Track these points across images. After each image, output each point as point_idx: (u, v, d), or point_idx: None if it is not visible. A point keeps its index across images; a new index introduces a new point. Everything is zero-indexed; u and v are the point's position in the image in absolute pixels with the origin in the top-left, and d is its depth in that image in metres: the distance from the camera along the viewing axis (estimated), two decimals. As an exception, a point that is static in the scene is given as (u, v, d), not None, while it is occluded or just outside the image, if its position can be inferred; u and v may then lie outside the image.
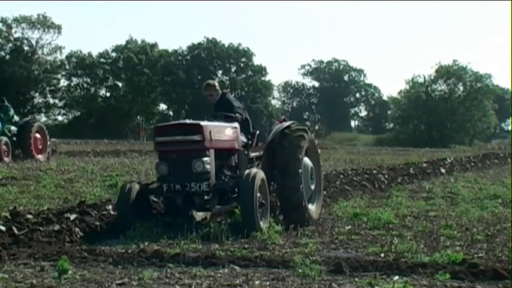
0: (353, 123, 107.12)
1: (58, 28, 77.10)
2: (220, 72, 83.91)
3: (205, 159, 8.88)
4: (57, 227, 8.32)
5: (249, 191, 8.62)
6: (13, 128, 23.75)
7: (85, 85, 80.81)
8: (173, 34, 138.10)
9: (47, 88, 77.90)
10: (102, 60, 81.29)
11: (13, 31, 76.01)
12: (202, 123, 9.12)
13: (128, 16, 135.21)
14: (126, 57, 78.69)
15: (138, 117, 78.20)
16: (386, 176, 18.31)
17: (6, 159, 22.07)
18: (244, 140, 10.09)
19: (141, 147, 38.89)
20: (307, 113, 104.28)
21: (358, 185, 15.72)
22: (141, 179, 15.40)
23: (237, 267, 6.68)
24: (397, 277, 6.26)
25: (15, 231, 7.89)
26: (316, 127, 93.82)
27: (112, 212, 9.48)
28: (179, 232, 8.33)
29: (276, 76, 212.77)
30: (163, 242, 8.13)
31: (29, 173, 17.77)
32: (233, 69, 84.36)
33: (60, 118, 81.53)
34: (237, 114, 10.00)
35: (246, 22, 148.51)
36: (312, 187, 10.31)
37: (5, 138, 22.64)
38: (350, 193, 14.49)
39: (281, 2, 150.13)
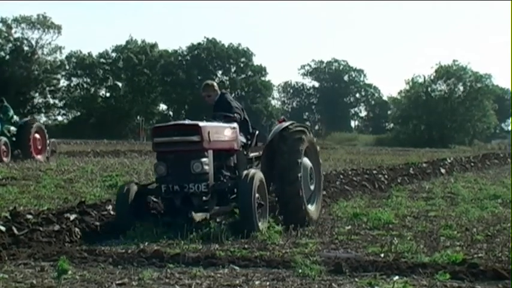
0: (353, 124, 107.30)
1: (58, 28, 77.18)
2: (220, 72, 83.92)
3: (203, 160, 8.87)
4: (57, 227, 8.32)
5: (248, 191, 8.61)
6: (12, 128, 23.73)
7: (85, 85, 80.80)
8: (173, 34, 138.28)
9: (47, 88, 77.90)
10: (102, 60, 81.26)
11: (13, 31, 76.10)
12: (201, 123, 9.11)
13: (128, 16, 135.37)
14: (126, 57, 78.67)
15: (138, 117, 78.22)
16: (386, 176, 18.31)
17: (5, 159, 22.06)
18: (244, 140, 10.08)
19: (141, 148, 38.88)
20: (307, 113, 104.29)
21: (358, 185, 15.72)
22: (141, 179, 15.40)
23: (237, 268, 6.68)
24: (397, 277, 6.27)
25: (15, 231, 7.88)
26: (316, 127, 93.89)
27: (112, 212, 9.48)
28: (179, 232, 8.33)
29: (276, 76, 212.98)
30: (163, 242, 8.13)
31: (29, 173, 17.77)
32: (233, 70, 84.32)
33: (60, 118, 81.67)
34: (235, 115, 9.98)
35: (246, 22, 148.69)
36: (312, 187, 10.30)
37: (4, 139, 22.62)
38: (350, 193, 14.50)
39: (281, 2, 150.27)
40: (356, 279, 6.20)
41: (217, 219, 9.28)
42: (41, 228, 8.17)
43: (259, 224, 8.70)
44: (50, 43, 77.28)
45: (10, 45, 75.60)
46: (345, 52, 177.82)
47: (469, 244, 8.27)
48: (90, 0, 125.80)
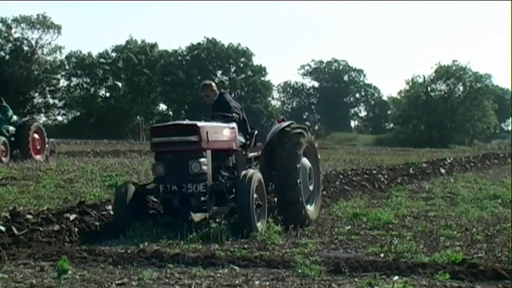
0: (353, 124, 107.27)
1: (58, 28, 77.20)
2: (219, 72, 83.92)
3: (202, 160, 8.86)
4: (56, 227, 8.32)
5: (246, 192, 8.59)
6: (11, 128, 23.70)
7: (85, 85, 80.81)
8: (173, 34, 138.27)
9: (47, 88, 77.91)
10: (102, 60, 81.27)
11: (13, 31, 76.12)
12: (199, 123, 9.10)
13: (128, 16, 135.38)
14: (126, 57, 78.66)
15: (138, 117, 78.23)
16: (386, 176, 18.32)
17: (4, 159, 22.04)
18: (243, 140, 10.07)
19: (141, 148, 38.86)
20: (306, 113, 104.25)
21: (357, 185, 15.72)
22: (140, 179, 15.40)
23: (236, 268, 6.68)
24: (396, 277, 6.27)
25: (15, 231, 7.88)
26: (316, 127, 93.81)
27: (112, 212, 9.47)
28: (179, 232, 8.32)
29: (276, 76, 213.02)
30: (163, 242, 8.13)
31: (29, 173, 17.77)
32: (233, 70, 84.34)
33: (60, 118, 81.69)
34: (234, 114, 9.96)
35: (245, 22, 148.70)
36: (311, 188, 10.30)
37: (3, 139, 22.60)
38: (350, 193, 14.50)
39: (281, 2, 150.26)
40: (356, 279, 6.20)
41: (217, 219, 9.28)
42: (40, 228, 8.17)
43: (258, 224, 8.70)
44: (49, 43, 77.45)
45: (10, 45, 75.63)
46: (345, 52, 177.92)
47: (469, 244, 8.27)
48: (90, 0, 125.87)
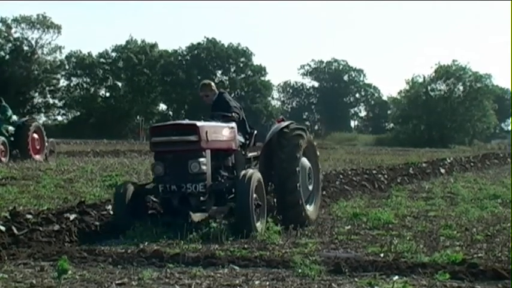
0: (353, 123, 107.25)
1: (58, 28, 77.13)
2: (219, 72, 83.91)
3: (201, 159, 8.85)
4: (56, 227, 8.32)
5: (245, 192, 8.58)
6: (11, 128, 23.68)
7: (85, 85, 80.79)
8: (173, 34, 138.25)
9: (47, 88, 77.88)
10: (102, 60, 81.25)
11: (13, 31, 76.07)
12: (199, 123, 9.09)
13: (128, 16, 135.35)
14: (126, 57, 78.65)
15: (138, 117, 78.23)
16: (386, 176, 18.32)
17: (3, 159, 22.03)
18: (242, 140, 10.06)
19: (141, 147, 38.86)
20: (306, 113, 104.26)
21: (357, 185, 15.72)
22: (140, 179, 15.40)
23: (236, 267, 6.68)
24: (396, 277, 6.27)
25: (15, 231, 7.88)
26: (316, 127, 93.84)
27: (112, 212, 9.47)
28: (179, 232, 8.32)
29: (276, 76, 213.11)
30: (163, 242, 8.13)
31: (29, 173, 17.76)
32: (232, 69, 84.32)
33: (59, 118, 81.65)
34: (233, 114, 9.95)
35: (245, 22, 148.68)
36: (310, 188, 10.29)
37: (2, 138, 22.58)
38: (350, 193, 14.50)
39: (281, 2, 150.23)
40: (356, 279, 6.20)
41: (217, 219, 9.28)
42: (40, 228, 8.17)
43: (257, 224, 8.69)
44: (49, 43, 77.37)
45: (10, 45, 75.59)
46: (345, 52, 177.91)
47: (469, 244, 8.27)
48: (90, 0, 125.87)
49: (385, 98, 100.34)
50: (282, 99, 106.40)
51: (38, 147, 24.33)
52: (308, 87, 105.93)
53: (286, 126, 10.03)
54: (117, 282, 6.06)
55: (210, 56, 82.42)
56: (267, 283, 6.07)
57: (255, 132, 10.38)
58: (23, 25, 75.97)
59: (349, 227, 9.77)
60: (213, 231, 8.36)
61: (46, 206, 10.94)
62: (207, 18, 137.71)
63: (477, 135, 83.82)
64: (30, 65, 74.91)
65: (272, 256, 7.27)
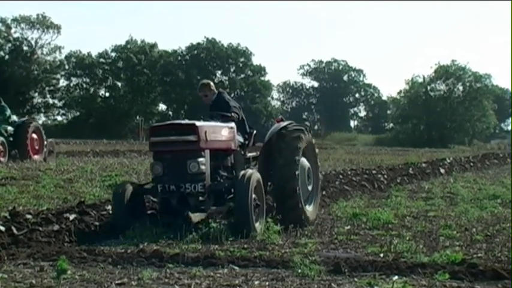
0: (352, 123, 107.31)
1: (57, 28, 77.19)
2: (219, 72, 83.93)
3: (200, 159, 8.84)
4: (56, 227, 8.32)
5: (244, 192, 8.56)
6: (10, 128, 23.64)
7: (84, 85, 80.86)
8: (173, 34, 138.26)
9: (46, 88, 77.94)
10: (101, 60, 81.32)
11: (12, 31, 76.14)
12: (198, 123, 9.07)
13: (128, 16, 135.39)
14: (126, 57, 78.70)
15: (138, 117, 78.28)
16: (385, 176, 18.31)
17: (2, 159, 22.00)
18: (241, 140, 10.05)
19: (141, 147, 38.85)
20: (306, 113, 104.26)
21: (357, 185, 15.71)
22: (140, 179, 15.39)
23: (236, 268, 6.68)
24: (396, 277, 6.26)
25: (15, 231, 7.88)
26: (316, 127, 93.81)
27: (111, 212, 9.46)
28: (178, 232, 8.31)
29: (275, 76, 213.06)
30: (162, 242, 8.12)
31: (28, 173, 17.75)
32: (232, 69, 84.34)
33: (59, 118, 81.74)
34: (233, 114, 9.94)
35: (245, 22, 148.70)
36: (309, 188, 10.27)
37: (1, 138, 22.54)
38: (349, 193, 14.49)
39: (281, 2, 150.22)
40: (355, 279, 6.20)
41: (216, 219, 9.27)
42: (40, 228, 8.17)
43: (256, 224, 8.68)
44: (49, 43, 77.48)
45: (9, 45, 75.66)
46: (345, 52, 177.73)
47: (469, 244, 8.27)
48: (90, 0, 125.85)
49: (384, 98, 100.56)
50: (282, 99, 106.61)
51: (37, 147, 24.29)
52: (308, 87, 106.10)
53: (285, 127, 10.00)
54: (116, 282, 6.06)
55: (209, 56, 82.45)
56: (267, 283, 6.07)
57: (255, 132, 10.37)
58: (22, 25, 76.14)
59: (348, 227, 9.76)
60: (213, 232, 8.35)
61: (46, 206, 10.93)
62: (206, 18, 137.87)
63: (477, 135, 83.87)
64: (30, 65, 74.94)
65: (272, 256, 7.27)
